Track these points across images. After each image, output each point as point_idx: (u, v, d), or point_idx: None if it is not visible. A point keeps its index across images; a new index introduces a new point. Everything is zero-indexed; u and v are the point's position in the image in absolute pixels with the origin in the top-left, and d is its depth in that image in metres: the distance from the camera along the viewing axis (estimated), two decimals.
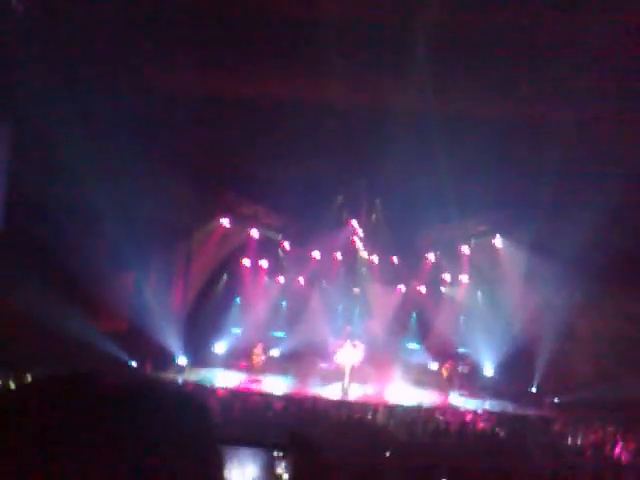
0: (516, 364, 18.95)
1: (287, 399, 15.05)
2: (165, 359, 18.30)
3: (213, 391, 15.05)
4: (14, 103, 14.01)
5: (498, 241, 20.01)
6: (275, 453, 4.45)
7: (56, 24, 12.71)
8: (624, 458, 11.94)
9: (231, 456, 4.64)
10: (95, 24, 12.70)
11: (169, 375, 17.53)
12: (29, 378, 12.64)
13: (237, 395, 14.62)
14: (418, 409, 15.33)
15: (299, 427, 11.81)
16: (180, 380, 16.45)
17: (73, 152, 14.05)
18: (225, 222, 20.04)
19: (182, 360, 18.72)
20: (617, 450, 12.25)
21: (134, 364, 17.27)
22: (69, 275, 15.25)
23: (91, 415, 1.29)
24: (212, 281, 20.75)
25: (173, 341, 18.38)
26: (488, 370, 19.73)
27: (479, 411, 15.70)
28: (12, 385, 12.19)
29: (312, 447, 5.67)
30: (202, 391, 14.35)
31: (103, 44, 13.13)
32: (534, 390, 18.73)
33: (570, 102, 13.48)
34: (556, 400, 17.58)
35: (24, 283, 14.71)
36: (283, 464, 4.43)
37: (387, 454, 10.94)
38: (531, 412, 16.55)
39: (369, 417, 13.81)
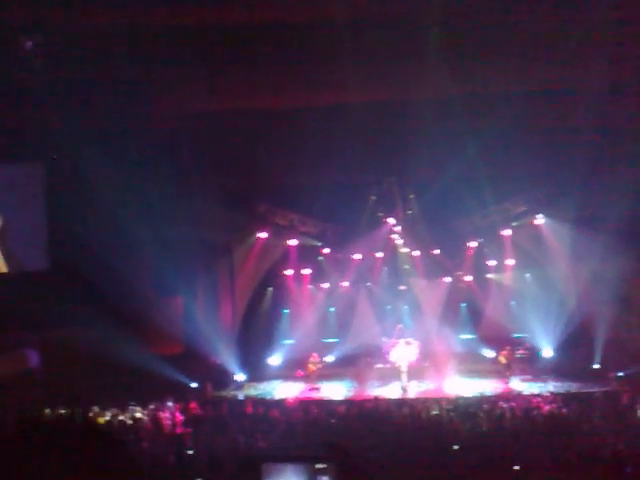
0: (575, 342, 18.60)
1: (348, 403, 15.09)
2: (223, 377, 18.52)
3: (277, 403, 15.18)
4: (47, 142, 14.40)
5: (540, 220, 19.63)
6: (317, 466, 4.50)
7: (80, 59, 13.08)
8: None
9: (272, 473, 4.71)
10: (118, 54, 13.00)
11: (229, 393, 17.74)
12: (96, 410, 12.97)
13: (298, 405, 14.70)
14: (480, 399, 15.19)
15: (362, 432, 11.83)
16: (241, 396, 16.63)
17: (108, 184, 14.39)
18: (263, 235, 20.15)
19: (240, 376, 18.90)
20: None
21: (195, 385, 17.50)
22: (120, 306, 15.60)
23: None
24: (258, 295, 20.88)
25: (228, 358, 18.58)
26: (547, 352, 19.38)
27: (543, 394, 15.46)
28: (79, 419, 12.48)
29: (352, 457, 5.71)
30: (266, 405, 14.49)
31: (127, 73, 13.43)
32: (597, 366, 18.31)
33: (603, 69, 13.23)
34: (620, 374, 17.19)
35: (77, 318, 15.09)
36: (325, 477, 4.49)
37: (455, 447, 10.87)
38: (596, 389, 16.24)
39: (432, 412, 13.72)
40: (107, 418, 12.65)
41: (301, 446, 8.76)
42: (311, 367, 18.49)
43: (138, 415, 12.90)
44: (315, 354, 18.81)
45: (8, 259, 15.90)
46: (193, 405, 14.02)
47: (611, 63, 13.63)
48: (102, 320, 15.26)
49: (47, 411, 12.79)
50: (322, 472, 4.48)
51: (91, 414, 12.71)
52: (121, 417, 12.72)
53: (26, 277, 15.89)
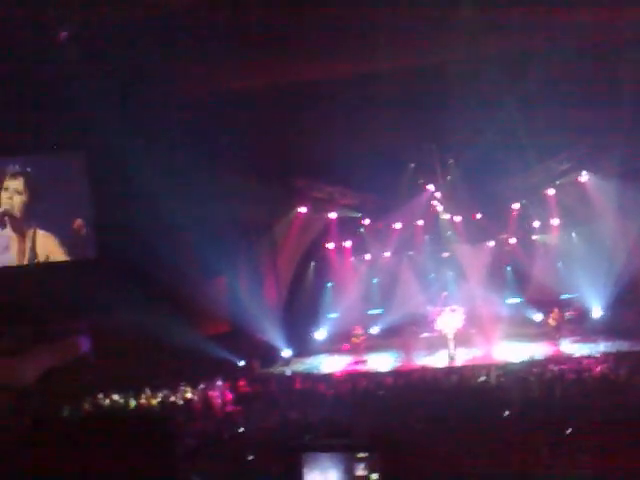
0: (625, 300, 18.20)
1: (395, 374, 15.10)
2: (270, 354, 18.75)
3: (324, 377, 15.31)
4: (88, 133, 14.60)
5: (584, 177, 19.12)
6: (358, 455, 4.44)
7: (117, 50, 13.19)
8: None
9: (312, 463, 4.69)
10: (150, 37, 13.05)
11: (276, 369, 17.97)
12: (149, 392, 13.28)
13: (346, 378, 14.79)
14: (530, 363, 15.01)
15: (411, 403, 11.82)
16: (288, 372, 16.82)
17: (148, 169, 14.53)
18: (303, 210, 20.17)
19: (286, 352, 19.09)
20: None
21: (242, 363, 17.75)
22: (166, 289, 15.86)
23: None
24: (301, 270, 20.99)
25: (274, 335, 18.76)
26: (596, 312, 19.02)
27: (594, 355, 15.22)
28: (133, 403, 12.80)
29: (397, 445, 5.62)
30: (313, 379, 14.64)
31: (161, 55, 13.47)
32: None
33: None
34: None
35: (125, 303, 15.39)
36: (365, 465, 4.44)
37: (506, 413, 10.77)
38: None
39: (481, 379, 13.63)
40: (159, 400, 12.95)
41: (346, 433, 8.79)
42: (354, 340, 18.55)
43: (189, 395, 13.18)
44: (358, 327, 18.84)
45: (60, 247, 16.37)
46: (242, 383, 14.25)
47: None
48: (149, 304, 15.55)
49: (100, 396, 13.16)
50: (362, 461, 4.47)
51: (143, 397, 13.03)
52: (172, 398, 13.01)
53: (74, 265, 16.30)
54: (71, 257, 16.39)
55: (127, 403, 13.03)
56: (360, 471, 4.37)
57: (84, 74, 13.38)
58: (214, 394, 13.38)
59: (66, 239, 16.46)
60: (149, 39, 12.97)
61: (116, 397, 13.32)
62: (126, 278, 15.19)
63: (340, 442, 5.03)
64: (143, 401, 13.10)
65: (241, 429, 11.39)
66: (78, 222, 16.34)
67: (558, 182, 19.67)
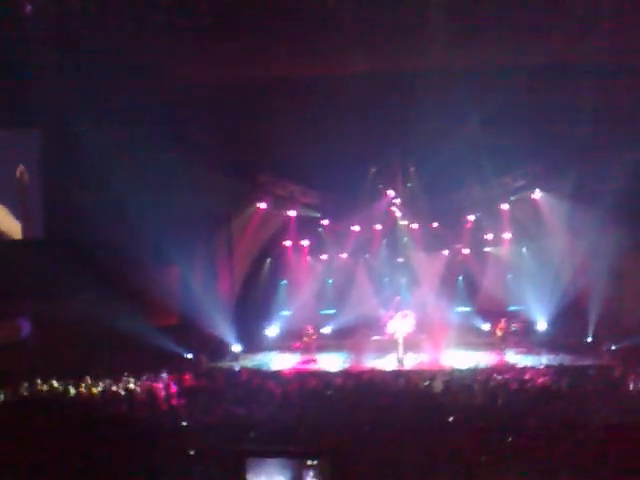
0: (569, 315, 18.74)
1: (344, 375, 15.14)
2: (219, 348, 18.56)
3: (273, 374, 15.25)
4: (44, 109, 14.23)
5: (538, 195, 19.64)
6: (307, 462, 4.38)
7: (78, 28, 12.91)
8: None
9: (257, 469, 4.62)
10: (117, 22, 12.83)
11: (225, 364, 17.81)
12: (89, 381, 12.97)
13: (295, 377, 14.75)
14: (475, 371, 15.27)
15: (359, 404, 11.86)
16: (237, 367, 16.70)
17: (105, 152, 14.26)
18: (262, 206, 20.08)
19: (236, 347, 18.94)
20: None
21: (190, 356, 17.54)
22: (115, 275, 15.57)
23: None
24: (256, 266, 20.88)
25: (225, 329, 18.59)
26: (541, 325, 19.50)
27: (537, 366, 15.58)
28: (72, 391, 12.46)
29: (345, 454, 5.58)
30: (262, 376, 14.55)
31: (128, 40, 13.27)
32: (590, 339, 18.46)
33: (603, 43, 13.10)
34: (613, 347, 17.31)
35: (72, 287, 15.05)
36: (312, 472, 4.38)
37: (450, 419, 10.89)
38: (589, 362, 16.35)
39: (427, 384, 13.78)
40: (100, 389, 12.67)
41: (291, 431, 8.74)
42: (306, 339, 18.55)
43: (131, 386, 12.92)
44: (309, 326, 18.85)
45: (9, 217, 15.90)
46: (187, 376, 14.07)
47: (611, 38, 13.50)
48: (97, 289, 15.25)
49: (39, 382, 12.79)
50: (310, 468, 4.39)
51: (83, 386, 12.72)
52: (114, 388, 12.74)
53: (20, 245, 15.85)
54: (21, 225, 15.86)
55: (66, 390, 12.67)
56: (308, 478, 4.29)
57: (45, 52, 13.10)
58: (158, 386, 13.16)
59: (17, 210, 15.93)
60: (113, 20, 12.78)
61: (55, 384, 12.95)
62: (74, 261, 14.84)
63: (287, 448, 4.95)
64: (83, 390, 12.76)
65: (184, 423, 11.22)
66: (20, 169, 15.82)
67: (513, 198, 20.16)
